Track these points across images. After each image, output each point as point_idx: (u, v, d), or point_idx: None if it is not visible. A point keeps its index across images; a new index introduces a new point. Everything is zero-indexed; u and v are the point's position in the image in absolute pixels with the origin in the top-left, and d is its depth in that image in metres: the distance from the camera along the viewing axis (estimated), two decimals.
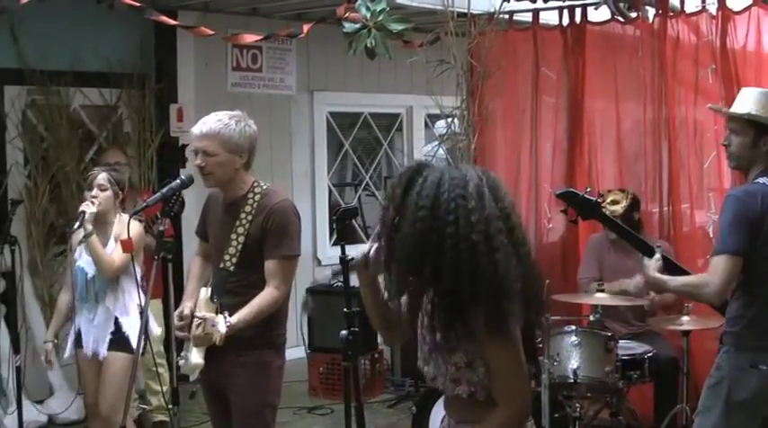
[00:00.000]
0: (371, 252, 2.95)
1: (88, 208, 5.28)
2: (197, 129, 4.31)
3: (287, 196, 4.49)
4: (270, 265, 4.27)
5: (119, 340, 5.26)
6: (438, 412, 4.31)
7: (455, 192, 2.77)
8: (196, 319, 4.19)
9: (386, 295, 2.94)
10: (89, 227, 5.23)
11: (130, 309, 5.30)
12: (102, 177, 5.40)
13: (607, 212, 6.12)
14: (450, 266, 2.74)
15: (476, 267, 2.73)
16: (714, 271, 4.05)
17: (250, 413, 4.34)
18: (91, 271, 5.33)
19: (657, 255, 4.39)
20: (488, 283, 2.74)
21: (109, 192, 5.36)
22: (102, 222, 5.30)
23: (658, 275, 4.33)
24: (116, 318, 5.28)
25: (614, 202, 6.24)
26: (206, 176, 4.32)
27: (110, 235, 5.33)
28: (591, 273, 6.44)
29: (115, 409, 5.15)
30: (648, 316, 6.27)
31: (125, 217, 5.20)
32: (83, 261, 5.39)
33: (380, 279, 2.97)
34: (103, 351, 5.29)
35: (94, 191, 5.35)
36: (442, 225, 2.75)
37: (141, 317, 4.84)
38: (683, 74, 6.56)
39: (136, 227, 5.15)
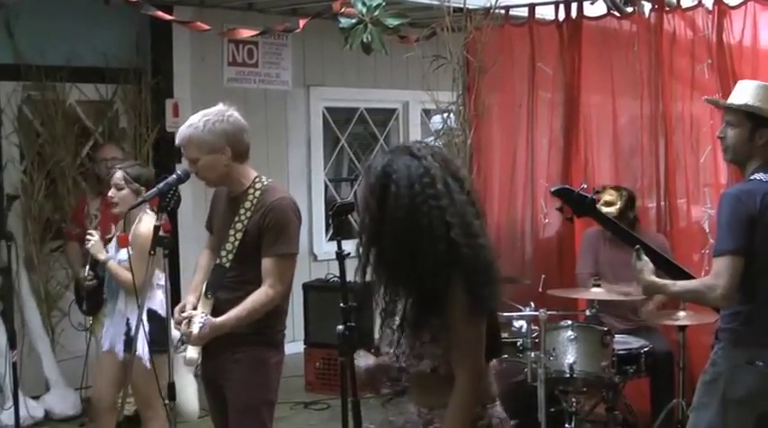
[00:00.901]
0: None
1: (89, 243, 5.36)
2: (177, 140, 4.31)
3: (288, 193, 4.46)
4: (266, 263, 4.25)
5: (129, 346, 5.23)
6: None
7: (426, 193, 2.91)
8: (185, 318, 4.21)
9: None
10: (101, 257, 5.29)
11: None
12: (117, 176, 5.30)
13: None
14: (432, 267, 2.89)
15: (458, 261, 2.89)
16: (719, 275, 4.02)
17: (245, 409, 4.33)
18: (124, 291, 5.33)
19: (645, 258, 4.33)
20: (472, 272, 2.91)
21: (126, 191, 5.26)
22: (127, 222, 5.21)
23: (656, 279, 4.28)
24: (127, 320, 5.25)
25: (609, 204, 6.23)
26: (202, 180, 4.33)
27: (125, 231, 5.26)
28: (589, 269, 6.44)
29: (145, 406, 5.29)
30: (645, 316, 6.28)
31: (150, 215, 5.12)
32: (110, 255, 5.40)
33: None
34: (120, 349, 5.26)
35: (111, 191, 5.30)
36: (419, 228, 2.89)
37: (152, 317, 4.89)
38: (680, 69, 6.57)
39: (148, 224, 5.03)
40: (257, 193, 4.30)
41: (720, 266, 4.02)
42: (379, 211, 2.93)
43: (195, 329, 4.08)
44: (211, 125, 4.23)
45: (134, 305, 5.16)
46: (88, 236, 5.44)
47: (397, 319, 3.04)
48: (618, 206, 6.24)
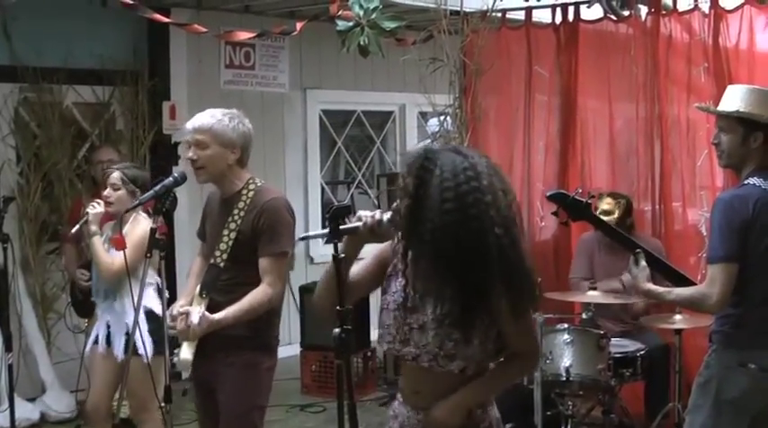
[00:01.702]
0: (384, 218, 3.01)
1: (92, 209, 5.23)
2: (190, 124, 4.34)
3: (281, 193, 4.48)
4: (263, 263, 4.26)
5: (127, 343, 5.23)
6: None
7: (471, 185, 2.87)
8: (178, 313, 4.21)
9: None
10: (93, 228, 5.20)
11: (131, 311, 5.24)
12: (115, 176, 5.30)
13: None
14: (481, 257, 2.86)
15: (504, 257, 2.87)
16: (713, 283, 4.04)
17: (237, 414, 4.33)
18: (99, 276, 5.31)
19: (643, 263, 4.33)
20: (516, 272, 2.91)
21: (122, 192, 5.26)
22: (121, 224, 5.21)
23: (653, 287, 4.29)
24: (127, 326, 5.24)
25: (607, 213, 6.24)
26: (198, 171, 4.32)
27: (119, 233, 5.24)
28: (582, 273, 6.45)
29: (140, 409, 5.27)
30: (641, 314, 6.28)
31: (143, 216, 5.16)
32: None
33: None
34: (120, 351, 5.24)
35: (107, 191, 5.29)
36: (467, 218, 2.85)
37: (149, 318, 4.87)
38: (676, 72, 6.58)
39: (144, 225, 5.08)
40: (250, 194, 4.33)
41: (714, 273, 4.04)
42: (415, 193, 2.89)
43: (195, 318, 4.08)
44: (235, 123, 4.33)
45: (129, 306, 5.17)
46: (94, 204, 5.30)
47: (423, 317, 3.01)
48: (616, 215, 6.25)
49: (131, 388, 5.01)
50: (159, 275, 4.84)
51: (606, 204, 6.31)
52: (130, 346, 4.69)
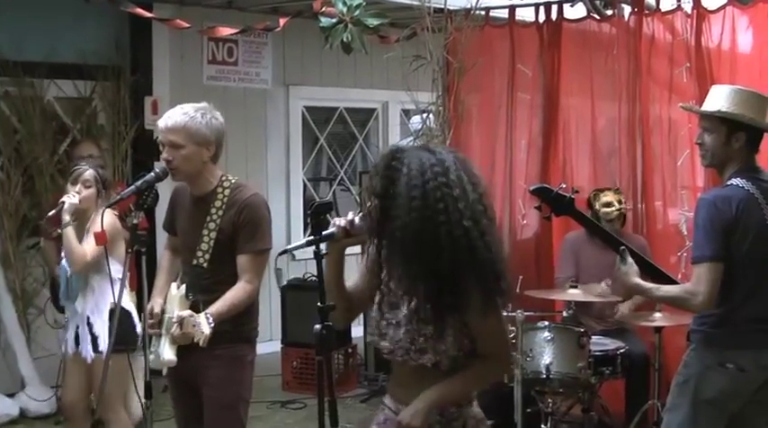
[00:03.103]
0: (356, 220, 3.04)
1: (69, 199, 5.20)
2: (162, 122, 4.28)
3: (257, 190, 4.46)
4: (242, 260, 4.26)
5: (96, 346, 5.22)
6: None
7: (439, 180, 2.90)
8: (173, 318, 4.16)
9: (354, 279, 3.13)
10: (66, 218, 5.17)
11: (102, 309, 5.25)
12: (89, 174, 5.31)
13: (603, 221, 6.19)
14: (449, 252, 2.88)
15: (472, 251, 2.89)
16: (699, 282, 4.05)
17: (224, 406, 4.32)
18: (71, 269, 5.30)
19: (630, 260, 4.34)
20: (485, 265, 2.92)
21: (93, 190, 5.29)
22: (81, 218, 5.24)
23: (642, 282, 4.29)
24: (88, 318, 5.24)
25: (608, 205, 6.28)
26: (173, 171, 4.28)
27: (87, 231, 5.26)
28: (568, 273, 6.46)
29: (107, 408, 5.23)
30: (618, 318, 6.31)
31: (107, 210, 5.17)
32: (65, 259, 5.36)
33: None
34: (88, 351, 5.23)
35: (78, 187, 5.28)
36: (434, 213, 2.87)
37: (113, 314, 4.83)
38: (658, 72, 6.59)
39: (109, 219, 5.08)
40: (227, 192, 4.31)
41: (700, 273, 4.05)
42: (384, 193, 2.93)
43: (206, 329, 4.05)
44: (208, 119, 4.27)
45: (93, 303, 5.17)
46: (72, 194, 5.25)
47: (400, 313, 3.04)
48: (617, 207, 6.30)
49: (96, 387, 5.01)
50: (139, 269, 4.82)
51: (608, 196, 6.34)
52: (99, 344, 4.67)
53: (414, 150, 2.99)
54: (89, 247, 5.10)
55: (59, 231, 5.23)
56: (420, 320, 2.99)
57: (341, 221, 3.07)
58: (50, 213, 5.36)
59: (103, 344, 5.03)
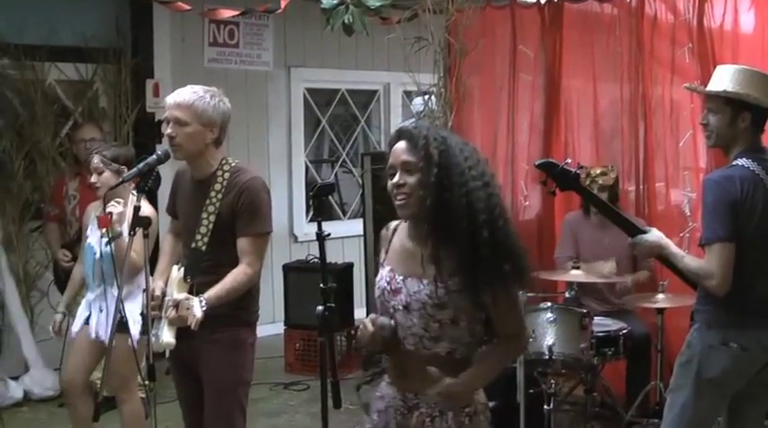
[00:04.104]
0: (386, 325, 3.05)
1: (115, 208, 5.01)
2: (171, 99, 4.28)
3: (257, 173, 4.46)
4: (243, 243, 4.26)
5: (124, 325, 5.20)
6: None
7: (483, 165, 3.03)
8: (170, 300, 4.17)
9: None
10: (117, 229, 5.01)
11: (137, 295, 5.20)
12: (95, 161, 5.27)
13: (599, 182, 6.18)
14: (493, 227, 2.94)
15: (510, 228, 3.01)
16: (711, 263, 4.05)
17: (224, 389, 4.33)
18: (99, 250, 5.26)
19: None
20: (515, 244, 3.02)
21: (107, 173, 5.24)
22: (107, 203, 5.16)
23: (670, 242, 4.32)
24: (122, 302, 5.21)
25: (604, 174, 6.29)
26: (175, 148, 4.27)
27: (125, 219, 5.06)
28: (567, 252, 6.47)
29: (122, 388, 5.30)
30: (622, 295, 6.31)
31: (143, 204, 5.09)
32: (93, 238, 5.33)
33: None
34: (105, 337, 5.18)
35: (93, 177, 5.26)
36: (486, 185, 2.97)
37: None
38: (660, 53, 6.57)
39: (146, 207, 5.02)
40: (226, 175, 4.31)
41: (713, 254, 4.04)
42: (440, 163, 2.94)
43: (198, 313, 4.05)
44: (216, 101, 4.28)
45: (128, 288, 5.15)
46: (114, 203, 5.05)
47: (408, 297, 3.04)
48: (612, 175, 6.30)
49: (114, 367, 4.99)
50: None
51: (601, 169, 6.34)
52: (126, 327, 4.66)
53: (444, 132, 3.07)
54: (136, 254, 4.90)
55: (109, 238, 5.10)
56: (436, 306, 2.98)
57: (383, 330, 3.04)
58: (106, 235, 5.24)
59: (133, 328, 5.01)
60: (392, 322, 3.03)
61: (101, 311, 5.30)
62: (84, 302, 5.47)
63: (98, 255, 5.29)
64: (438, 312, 2.98)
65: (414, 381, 3.08)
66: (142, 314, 4.46)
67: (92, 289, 5.39)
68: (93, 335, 5.31)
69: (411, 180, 2.96)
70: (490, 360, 3.10)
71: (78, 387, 5.43)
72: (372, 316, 3.07)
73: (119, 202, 5.07)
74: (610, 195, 6.19)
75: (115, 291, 5.17)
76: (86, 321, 5.38)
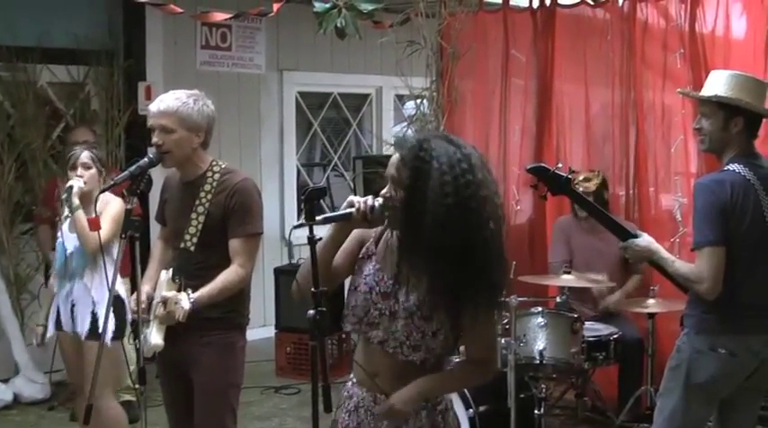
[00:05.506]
0: (376, 205, 2.97)
1: (77, 182, 5.21)
2: (154, 107, 4.29)
3: (247, 175, 4.46)
4: (235, 243, 4.26)
5: (94, 330, 5.20)
6: None
7: (467, 178, 2.84)
8: (159, 300, 4.16)
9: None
10: (76, 201, 5.16)
11: (106, 296, 5.20)
12: (85, 155, 5.33)
13: (580, 189, 6.18)
14: (473, 252, 2.83)
15: (492, 253, 2.87)
16: (702, 267, 4.07)
17: (214, 392, 4.33)
18: (70, 247, 5.27)
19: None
20: (499, 270, 2.91)
21: (93, 170, 5.31)
22: (86, 201, 5.21)
23: (661, 248, 4.32)
24: (93, 298, 5.22)
25: (587, 180, 6.28)
26: (164, 155, 4.28)
27: (92, 213, 5.22)
28: (561, 256, 6.48)
29: (99, 394, 5.18)
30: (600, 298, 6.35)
31: (111, 195, 5.17)
32: (64, 237, 5.35)
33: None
34: (84, 330, 5.21)
35: (79, 171, 5.29)
36: (467, 213, 2.83)
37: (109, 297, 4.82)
38: (652, 58, 6.59)
39: (114, 203, 5.15)
40: (216, 176, 4.31)
41: (704, 258, 4.06)
42: (413, 185, 2.85)
43: (186, 304, 4.04)
44: (200, 106, 4.28)
45: (97, 282, 5.16)
46: (77, 178, 5.25)
47: (397, 304, 3.03)
48: (595, 181, 6.28)
49: (88, 373, 4.98)
50: (132, 255, 4.81)
51: (584, 174, 6.34)
52: (102, 332, 4.65)
53: (439, 141, 2.91)
54: (103, 230, 5.04)
55: (68, 215, 5.21)
56: (423, 317, 2.98)
57: (360, 203, 2.99)
58: (62, 197, 5.33)
59: (100, 329, 5.00)
60: (379, 200, 2.98)
61: (73, 305, 5.29)
62: (53, 302, 5.45)
63: (69, 252, 5.30)
64: (424, 324, 2.99)
65: (384, 382, 3.09)
66: (133, 321, 4.45)
67: (62, 286, 5.38)
68: (71, 332, 5.30)
69: (396, 195, 2.93)
70: (451, 375, 3.15)
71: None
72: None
73: (80, 178, 5.20)
74: (595, 201, 6.19)
75: (87, 282, 5.19)
76: (58, 324, 5.36)
